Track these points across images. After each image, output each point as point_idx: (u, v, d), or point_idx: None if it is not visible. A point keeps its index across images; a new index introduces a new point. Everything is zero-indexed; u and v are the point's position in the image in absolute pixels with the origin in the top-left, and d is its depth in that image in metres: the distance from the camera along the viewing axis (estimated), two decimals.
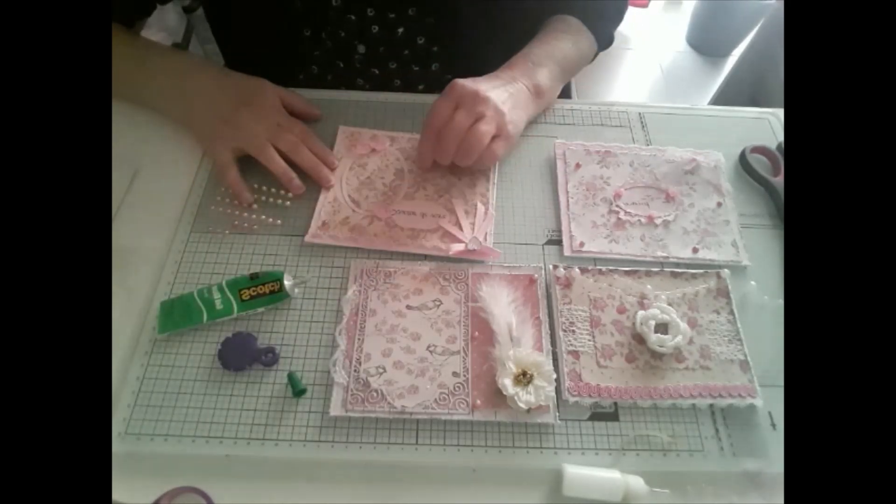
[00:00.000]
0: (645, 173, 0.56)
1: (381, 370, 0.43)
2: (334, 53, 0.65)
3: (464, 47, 0.63)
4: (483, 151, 0.50)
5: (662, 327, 0.45)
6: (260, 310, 0.45)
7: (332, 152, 0.55)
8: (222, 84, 0.56)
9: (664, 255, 0.51)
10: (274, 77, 0.57)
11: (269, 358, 0.43)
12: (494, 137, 0.51)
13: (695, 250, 0.51)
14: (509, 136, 0.53)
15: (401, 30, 0.62)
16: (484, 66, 0.55)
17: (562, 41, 0.61)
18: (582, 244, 0.51)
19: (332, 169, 0.54)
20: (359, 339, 0.45)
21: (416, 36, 0.63)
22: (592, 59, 0.67)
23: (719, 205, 0.54)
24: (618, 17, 0.68)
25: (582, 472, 0.39)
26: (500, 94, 0.52)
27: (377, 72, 0.66)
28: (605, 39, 0.66)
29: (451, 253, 0.49)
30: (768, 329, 0.47)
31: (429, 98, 0.61)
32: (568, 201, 0.54)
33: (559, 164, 0.56)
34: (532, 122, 0.59)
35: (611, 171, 0.56)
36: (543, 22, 0.64)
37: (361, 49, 0.64)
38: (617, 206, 0.53)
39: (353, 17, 0.61)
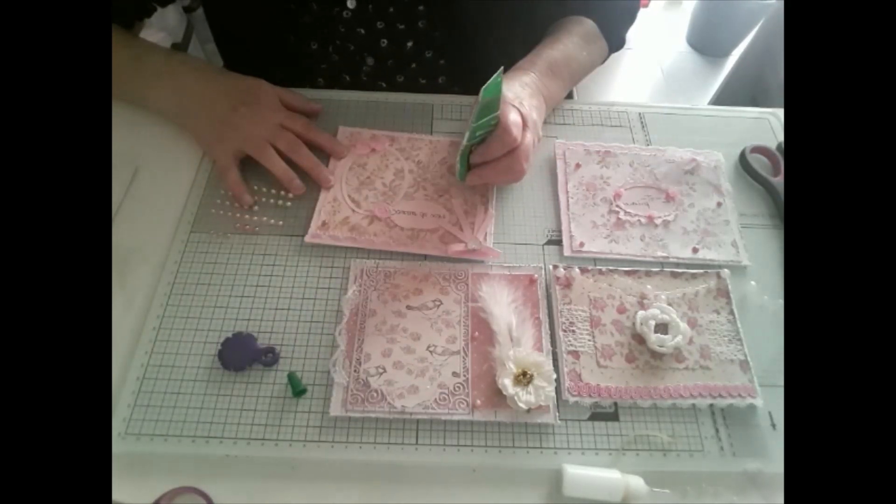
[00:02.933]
0: (645, 173, 0.56)
1: (381, 370, 0.43)
2: (341, 67, 0.65)
3: (470, 61, 0.63)
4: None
5: (662, 327, 0.45)
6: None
7: (339, 141, 0.56)
8: (221, 85, 0.55)
9: (664, 255, 0.51)
10: None
11: (269, 358, 0.43)
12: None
13: (695, 250, 0.51)
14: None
15: (410, 43, 0.62)
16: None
17: (577, 48, 0.60)
18: (582, 244, 0.51)
19: (341, 158, 0.55)
20: (359, 339, 0.45)
21: (424, 49, 0.63)
22: (602, 62, 0.67)
23: (719, 205, 0.54)
24: (630, 18, 0.67)
25: (582, 472, 0.39)
26: (536, 112, 0.52)
27: (384, 84, 0.66)
28: (616, 42, 0.65)
29: (450, 253, 0.49)
30: (768, 329, 0.47)
31: (429, 98, 0.61)
32: (568, 201, 0.54)
33: (559, 164, 0.56)
34: None
35: (611, 171, 0.56)
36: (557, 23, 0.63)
37: (370, 62, 0.64)
38: (617, 206, 0.53)
39: (362, 31, 0.61)
